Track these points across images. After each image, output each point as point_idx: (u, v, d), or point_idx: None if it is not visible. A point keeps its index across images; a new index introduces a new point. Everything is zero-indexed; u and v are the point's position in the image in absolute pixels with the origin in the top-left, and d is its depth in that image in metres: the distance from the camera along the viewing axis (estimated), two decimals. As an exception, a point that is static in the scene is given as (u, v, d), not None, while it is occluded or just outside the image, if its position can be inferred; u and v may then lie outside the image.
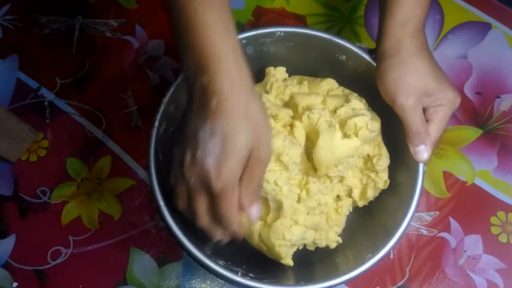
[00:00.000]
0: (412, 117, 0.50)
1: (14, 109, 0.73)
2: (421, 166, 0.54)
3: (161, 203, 0.52)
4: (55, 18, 0.78)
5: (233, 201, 0.42)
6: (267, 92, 0.60)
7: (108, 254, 0.67)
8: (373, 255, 0.53)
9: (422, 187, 0.54)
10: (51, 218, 0.68)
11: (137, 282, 0.66)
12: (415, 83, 0.51)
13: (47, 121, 0.73)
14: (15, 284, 0.65)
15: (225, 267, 0.52)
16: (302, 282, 0.54)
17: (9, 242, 0.67)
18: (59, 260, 0.66)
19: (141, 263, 0.67)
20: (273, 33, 0.59)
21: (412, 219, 0.54)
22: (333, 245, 0.59)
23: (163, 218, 0.52)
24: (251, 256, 0.59)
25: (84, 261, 0.66)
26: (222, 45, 0.42)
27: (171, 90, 0.56)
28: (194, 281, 0.66)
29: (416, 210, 0.62)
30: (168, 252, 0.67)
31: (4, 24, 0.77)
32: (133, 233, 0.68)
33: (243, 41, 0.58)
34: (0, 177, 0.70)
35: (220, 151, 0.40)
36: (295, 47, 0.61)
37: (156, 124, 0.55)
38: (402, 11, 0.52)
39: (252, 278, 0.52)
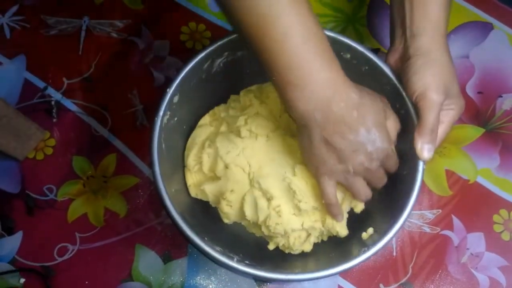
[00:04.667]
0: (435, 114, 0.52)
1: (22, 108, 0.74)
2: (421, 164, 0.54)
3: (161, 185, 0.54)
4: (62, 19, 0.79)
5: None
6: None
7: (114, 251, 0.68)
8: (368, 249, 0.53)
9: (421, 185, 0.55)
10: (58, 215, 0.69)
11: (143, 279, 0.67)
12: (447, 82, 0.52)
13: (54, 120, 0.74)
14: (22, 280, 0.66)
15: (222, 253, 0.53)
16: (296, 271, 0.55)
17: (16, 239, 0.68)
18: (65, 257, 0.67)
19: (146, 260, 0.67)
20: None
21: (408, 217, 0.54)
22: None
23: (162, 202, 0.54)
24: (248, 245, 0.60)
25: (90, 258, 0.67)
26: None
27: (177, 81, 0.57)
28: (199, 277, 0.67)
29: (413, 208, 0.62)
30: (173, 249, 0.68)
31: (11, 25, 0.78)
32: (138, 230, 0.69)
33: None
34: (8, 175, 0.71)
35: (374, 132, 0.49)
36: None
37: (161, 113, 0.56)
38: (436, 11, 0.53)
39: (247, 265, 0.53)
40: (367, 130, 0.48)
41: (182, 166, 0.64)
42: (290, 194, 0.57)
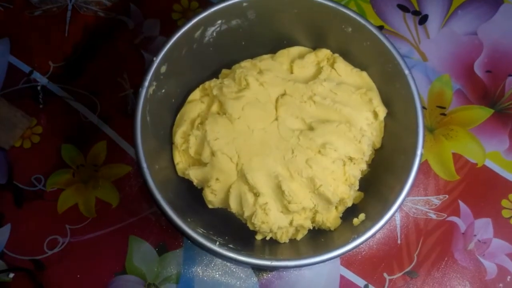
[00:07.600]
0: None
1: (6, 94, 0.70)
2: (419, 148, 0.53)
3: (144, 164, 0.52)
4: (46, -2, 0.75)
5: None
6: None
7: (107, 242, 0.65)
8: (358, 237, 0.52)
9: (418, 169, 0.53)
10: (47, 207, 0.66)
11: (137, 271, 0.65)
12: None
13: (41, 106, 0.70)
14: (11, 275, 0.64)
15: (204, 236, 0.51)
16: (281, 257, 0.53)
17: (4, 232, 0.65)
18: (56, 250, 0.65)
19: (141, 252, 0.65)
20: None
21: (403, 202, 0.53)
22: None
23: (143, 177, 0.52)
24: (236, 228, 0.58)
25: (82, 250, 0.65)
26: None
27: (165, 49, 0.54)
28: (195, 269, 0.65)
29: (419, 194, 0.60)
30: (168, 240, 0.65)
31: (-7, 6, 0.74)
32: (131, 220, 0.66)
33: (244, 4, 0.56)
34: (-7, 165, 0.68)
35: None
36: (299, 14, 0.58)
37: (146, 84, 0.53)
38: None
39: (231, 249, 0.51)
40: None
41: (170, 143, 0.61)
42: (279, 193, 0.54)
